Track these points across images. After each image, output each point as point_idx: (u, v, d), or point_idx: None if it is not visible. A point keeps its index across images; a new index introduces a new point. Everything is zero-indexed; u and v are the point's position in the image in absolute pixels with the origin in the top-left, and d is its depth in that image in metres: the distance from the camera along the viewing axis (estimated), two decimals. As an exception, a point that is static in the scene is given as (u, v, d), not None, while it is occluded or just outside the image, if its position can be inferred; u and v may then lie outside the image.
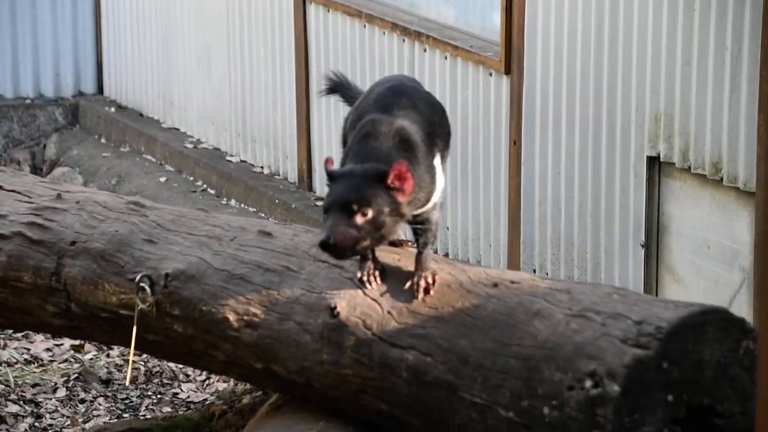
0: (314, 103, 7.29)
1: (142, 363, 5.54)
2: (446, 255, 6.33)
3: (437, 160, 3.58)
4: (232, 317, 3.80)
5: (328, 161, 3.45)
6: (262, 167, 7.81)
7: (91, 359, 5.68)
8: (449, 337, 3.45)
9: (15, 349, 5.75)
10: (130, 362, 3.92)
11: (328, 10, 7.15)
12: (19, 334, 5.86)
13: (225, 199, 7.76)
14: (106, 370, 5.58)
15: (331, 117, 7.16)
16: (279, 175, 7.68)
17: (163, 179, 8.04)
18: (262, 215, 7.34)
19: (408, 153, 3.45)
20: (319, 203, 7.35)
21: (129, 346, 3.88)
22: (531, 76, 5.77)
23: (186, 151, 8.19)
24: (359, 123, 3.51)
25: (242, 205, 7.61)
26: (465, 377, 3.39)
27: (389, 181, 3.37)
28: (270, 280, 3.80)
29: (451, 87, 6.34)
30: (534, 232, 5.81)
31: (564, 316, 3.32)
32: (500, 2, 5.91)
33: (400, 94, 3.59)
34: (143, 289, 3.85)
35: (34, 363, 5.66)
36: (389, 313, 3.56)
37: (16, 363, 5.61)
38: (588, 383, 3.16)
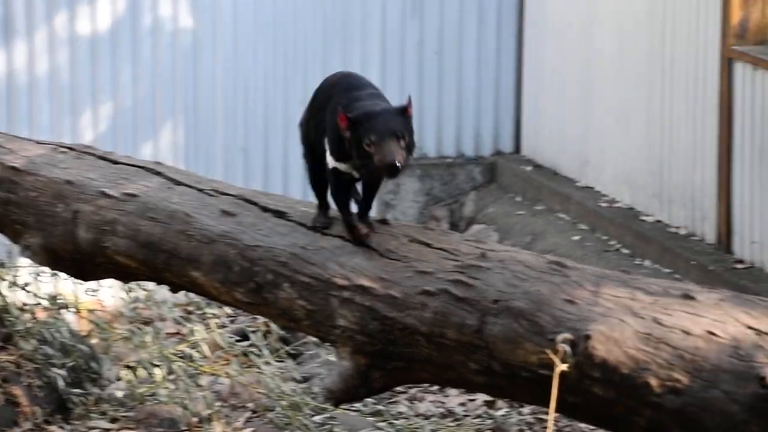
0: (736, 164, 7.07)
1: (554, 423, 5.51)
2: None
3: None
4: (654, 382, 3.71)
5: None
6: (678, 228, 7.65)
7: (503, 416, 5.71)
8: None
9: (431, 402, 5.87)
10: (550, 424, 3.89)
11: (756, 69, 6.93)
12: (434, 388, 5.98)
13: (639, 259, 7.65)
14: (517, 428, 5.59)
15: (754, 178, 6.92)
16: (696, 236, 7.48)
17: (576, 238, 8.03)
18: (677, 277, 7.17)
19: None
20: (739, 266, 7.09)
21: (547, 407, 3.86)
22: None
23: (600, 210, 8.15)
24: (334, 89, 4.12)
25: (657, 266, 7.47)
26: None
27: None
28: (694, 346, 3.69)
29: None
30: None
31: None
32: None
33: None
34: (563, 349, 3.83)
35: (448, 417, 5.75)
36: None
37: (432, 416, 5.72)
38: None
